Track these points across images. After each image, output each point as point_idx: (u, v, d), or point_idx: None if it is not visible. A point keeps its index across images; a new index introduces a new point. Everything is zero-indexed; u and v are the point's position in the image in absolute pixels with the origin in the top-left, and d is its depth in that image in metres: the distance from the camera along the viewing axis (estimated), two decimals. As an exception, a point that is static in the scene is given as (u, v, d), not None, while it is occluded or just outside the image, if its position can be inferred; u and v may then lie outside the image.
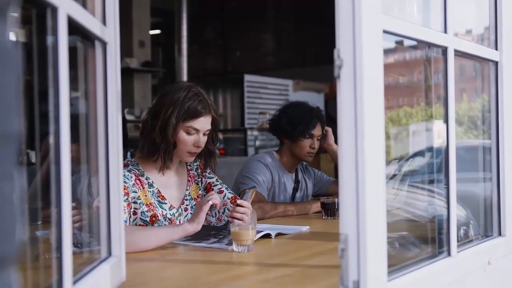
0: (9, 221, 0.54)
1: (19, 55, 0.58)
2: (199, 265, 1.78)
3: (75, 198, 1.18)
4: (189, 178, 2.42)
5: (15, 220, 0.55)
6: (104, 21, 1.37)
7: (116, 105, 1.40)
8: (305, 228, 2.40)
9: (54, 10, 1.00)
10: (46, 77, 1.04)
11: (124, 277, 1.46)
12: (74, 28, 1.13)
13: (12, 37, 0.58)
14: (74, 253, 1.09)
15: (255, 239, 1.98)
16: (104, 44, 1.36)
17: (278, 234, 2.23)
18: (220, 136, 7.64)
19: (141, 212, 2.19)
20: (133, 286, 1.49)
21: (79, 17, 1.13)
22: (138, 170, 2.26)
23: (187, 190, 2.39)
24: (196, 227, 1.97)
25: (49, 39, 1.03)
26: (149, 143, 2.24)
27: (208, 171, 2.47)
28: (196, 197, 2.40)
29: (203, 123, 2.24)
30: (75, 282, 1.11)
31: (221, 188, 2.43)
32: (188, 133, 2.22)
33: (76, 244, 1.36)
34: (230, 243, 1.95)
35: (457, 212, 1.58)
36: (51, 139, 1.02)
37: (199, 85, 2.34)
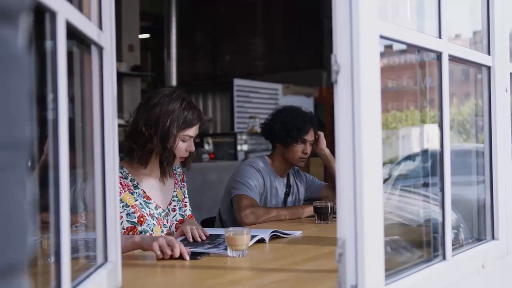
0: (21, 228, 0.54)
1: (31, 62, 0.58)
2: (194, 271, 1.77)
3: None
4: (175, 181, 2.49)
5: (26, 227, 0.55)
6: (100, 26, 1.36)
7: (112, 109, 1.40)
8: (298, 233, 2.40)
9: (53, 15, 1.00)
10: (43, 81, 1.04)
11: (120, 283, 1.45)
12: (71, 32, 1.12)
13: (23, 43, 0.58)
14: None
15: (250, 244, 1.97)
16: (100, 49, 1.36)
17: (274, 236, 2.23)
18: (210, 140, 7.63)
19: (127, 214, 2.23)
20: (128, 292, 1.48)
21: (77, 22, 1.13)
22: (122, 173, 2.29)
23: (174, 191, 2.45)
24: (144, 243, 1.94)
25: (48, 44, 1.02)
26: (147, 153, 2.28)
27: (185, 181, 2.57)
28: (181, 200, 2.48)
29: (196, 129, 2.35)
30: (72, 289, 1.10)
31: (187, 202, 2.54)
32: (183, 141, 2.31)
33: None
34: (227, 249, 1.95)
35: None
36: (50, 145, 1.01)
37: (183, 90, 2.43)
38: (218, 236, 2.23)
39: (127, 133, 2.33)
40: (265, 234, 2.19)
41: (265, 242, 2.16)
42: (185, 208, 2.51)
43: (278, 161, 3.12)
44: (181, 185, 2.53)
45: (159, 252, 1.86)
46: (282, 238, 2.29)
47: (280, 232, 2.29)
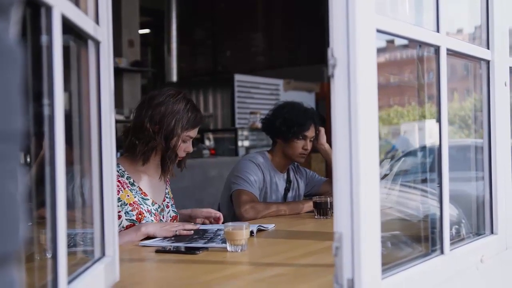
0: (13, 219, 0.55)
1: (22, 54, 0.59)
2: (193, 265, 1.78)
3: (67, 198, 1.18)
4: (167, 180, 2.53)
5: (18, 218, 0.56)
6: (97, 20, 1.36)
7: (109, 104, 1.40)
8: (271, 226, 2.42)
9: (49, 9, 0.99)
10: (39, 76, 1.04)
11: (118, 277, 1.45)
12: (67, 27, 1.12)
13: (15, 36, 0.58)
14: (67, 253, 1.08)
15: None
16: (97, 44, 1.36)
17: (259, 230, 2.28)
18: (210, 136, 7.63)
19: (125, 213, 2.26)
20: (126, 286, 1.48)
21: (73, 16, 1.13)
22: (118, 171, 2.29)
23: (166, 189, 2.50)
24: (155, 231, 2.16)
25: (43, 38, 1.02)
26: (150, 149, 2.31)
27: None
28: (171, 197, 2.54)
29: (196, 131, 2.41)
30: (69, 282, 1.10)
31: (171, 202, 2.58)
32: (184, 141, 2.36)
33: (69, 244, 1.35)
34: (224, 242, 1.95)
35: (449, 211, 1.59)
36: (46, 140, 1.01)
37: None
38: (206, 231, 2.25)
39: (129, 130, 2.34)
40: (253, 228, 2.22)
41: (253, 235, 2.18)
42: (168, 209, 2.53)
43: (278, 156, 3.12)
44: (169, 184, 2.58)
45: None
46: (283, 233, 2.31)
47: (262, 226, 2.35)
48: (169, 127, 2.29)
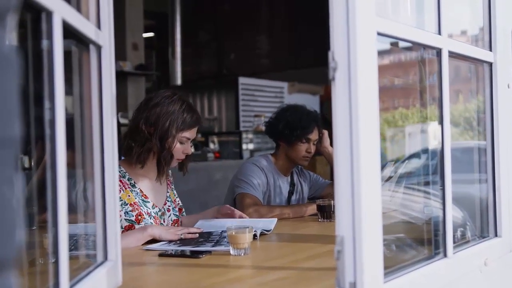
0: (9, 225, 0.55)
1: (18, 60, 0.59)
2: (196, 269, 1.77)
3: (70, 203, 1.18)
4: (168, 183, 2.54)
5: (15, 224, 0.56)
6: (98, 25, 1.36)
7: (111, 109, 1.40)
8: (273, 223, 2.42)
9: (49, 14, 1.00)
10: (40, 81, 1.04)
11: (120, 282, 1.45)
12: (69, 32, 1.12)
13: (12, 42, 0.58)
14: (69, 257, 1.08)
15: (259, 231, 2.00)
16: (98, 48, 1.36)
17: (262, 234, 2.28)
18: (215, 139, 7.63)
19: (125, 213, 2.27)
20: (129, 290, 1.48)
21: (74, 21, 1.13)
22: (119, 172, 2.30)
23: (167, 192, 2.50)
24: (161, 234, 2.14)
25: (44, 43, 1.03)
26: (146, 151, 2.31)
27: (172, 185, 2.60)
28: (173, 200, 2.53)
29: (194, 132, 2.40)
30: (71, 287, 1.11)
31: (179, 202, 2.59)
32: (181, 143, 2.36)
33: (71, 248, 1.35)
34: (229, 245, 1.95)
35: (453, 214, 1.58)
36: (47, 144, 1.01)
37: (183, 94, 2.48)
38: (211, 233, 2.25)
39: (126, 132, 2.36)
40: (258, 226, 2.23)
41: (256, 239, 2.18)
42: (177, 208, 2.54)
43: (282, 159, 3.12)
44: (172, 187, 2.58)
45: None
46: (286, 236, 2.31)
47: (264, 230, 2.32)
48: (163, 128, 2.29)
